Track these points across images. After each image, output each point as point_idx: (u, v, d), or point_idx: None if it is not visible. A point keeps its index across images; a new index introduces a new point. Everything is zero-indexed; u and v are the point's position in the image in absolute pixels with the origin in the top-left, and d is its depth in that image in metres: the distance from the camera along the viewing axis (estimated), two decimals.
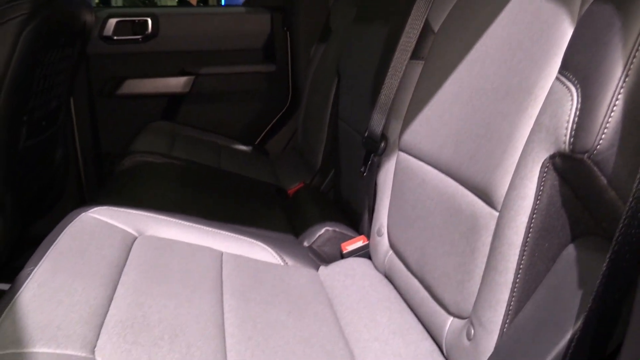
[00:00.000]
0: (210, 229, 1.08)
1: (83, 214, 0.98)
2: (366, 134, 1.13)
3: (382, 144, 1.08)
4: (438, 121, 0.92)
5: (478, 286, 0.73)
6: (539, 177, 0.63)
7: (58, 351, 0.61)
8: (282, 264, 1.07)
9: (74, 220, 0.95)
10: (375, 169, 1.11)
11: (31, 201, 1.72)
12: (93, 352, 0.63)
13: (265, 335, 0.78)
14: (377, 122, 1.10)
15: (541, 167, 0.62)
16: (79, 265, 0.80)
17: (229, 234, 1.08)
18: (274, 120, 2.19)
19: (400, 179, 1.02)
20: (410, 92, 1.04)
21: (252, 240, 1.09)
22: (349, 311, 0.94)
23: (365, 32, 1.48)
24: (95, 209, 1.01)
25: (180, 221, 1.06)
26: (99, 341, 0.66)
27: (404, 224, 0.97)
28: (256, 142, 2.18)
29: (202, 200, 1.30)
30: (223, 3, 4.45)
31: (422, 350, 0.82)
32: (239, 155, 1.95)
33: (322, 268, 1.10)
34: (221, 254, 1.01)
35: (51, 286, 0.73)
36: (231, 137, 2.12)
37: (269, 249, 1.08)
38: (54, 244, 0.86)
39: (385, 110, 1.09)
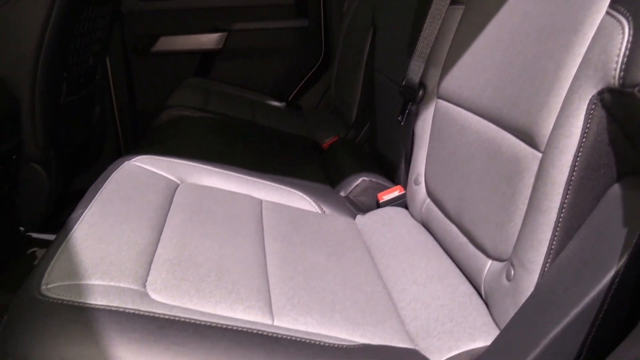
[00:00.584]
0: (249, 177, 1.09)
1: (126, 162, 1.01)
2: (404, 83, 1.12)
3: (420, 92, 1.07)
4: (478, 66, 0.90)
5: (518, 228, 0.73)
6: (585, 115, 0.62)
7: (112, 284, 0.64)
8: (320, 212, 1.08)
9: (119, 168, 0.98)
10: (412, 117, 1.11)
11: (72, 157, 1.77)
12: (144, 286, 0.66)
13: (306, 276, 0.80)
14: (415, 71, 1.09)
15: (588, 104, 0.61)
16: (126, 209, 0.83)
17: (268, 182, 1.10)
18: (307, 76, 2.18)
19: (438, 127, 1.01)
20: (449, 38, 1.02)
21: (290, 189, 1.10)
22: (386, 257, 0.95)
23: None
24: (138, 157, 1.03)
25: (220, 170, 1.08)
26: (149, 277, 0.68)
27: (442, 171, 0.97)
28: (289, 98, 2.18)
29: (239, 151, 1.31)
30: None
31: (460, 292, 0.83)
32: (272, 110, 1.96)
33: (359, 217, 1.11)
34: (261, 201, 1.03)
35: (101, 227, 0.76)
36: (264, 93, 2.12)
37: (307, 198, 1.10)
38: (101, 189, 0.89)
39: (423, 58, 1.07)
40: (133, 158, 1.03)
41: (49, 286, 0.61)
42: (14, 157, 1.38)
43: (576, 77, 0.64)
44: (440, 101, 1.01)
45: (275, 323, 0.67)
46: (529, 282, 0.69)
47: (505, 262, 0.76)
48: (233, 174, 1.09)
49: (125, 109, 2.17)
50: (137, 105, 2.18)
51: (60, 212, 1.75)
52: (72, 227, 0.75)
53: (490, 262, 0.80)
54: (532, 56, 0.75)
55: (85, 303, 0.58)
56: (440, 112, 1.01)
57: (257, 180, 1.10)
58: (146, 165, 1.02)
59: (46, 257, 0.69)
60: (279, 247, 0.86)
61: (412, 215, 1.10)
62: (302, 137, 1.62)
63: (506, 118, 0.79)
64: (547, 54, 0.72)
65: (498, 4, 0.88)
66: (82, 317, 0.57)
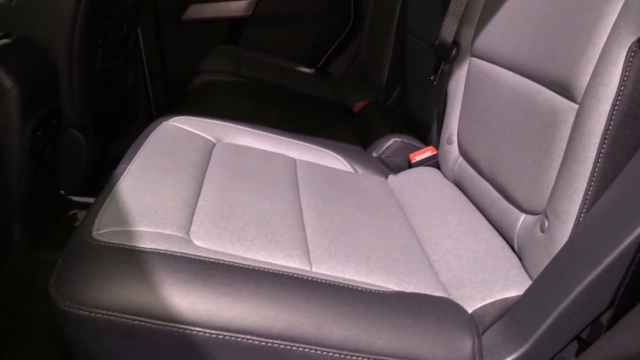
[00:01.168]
0: (283, 138, 1.11)
1: (164, 122, 1.04)
2: (437, 43, 1.12)
3: (454, 51, 1.07)
4: (513, 22, 0.90)
5: (553, 180, 0.74)
6: (624, 63, 0.61)
7: (158, 230, 0.67)
8: (353, 171, 1.10)
9: (157, 128, 1.01)
10: (445, 77, 1.11)
11: (108, 124, 1.82)
12: (188, 234, 0.69)
13: (341, 228, 0.82)
14: (448, 30, 1.09)
15: (627, 52, 0.61)
16: (167, 164, 0.86)
17: (301, 142, 1.12)
18: (336, 42, 2.18)
19: (472, 85, 1.01)
20: None
21: (323, 149, 1.12)
22: (419, 214, 0.97)
23: None
24: (175, 118, 1.06)
25: (254, 130, 1.10)
26: (192, 226, 0.71)
27: (476, 128, 0.97)
28: (319, 65, 2.18)
29: (272, 114, 1.33)
30: None
31: (493, 246, 0.84)
32: (302, 76, 1.97)
33: (391, 176, 1.13)
34: (295, 160, 1.05)
35: (145, 180, 0.79)
36: (294, 59, 2.13)
37: (340, 158, 1.11)
38: (142, 147, 0.92)
39: (457, 16, 1.07)
40: (171, 118, 1.05)
41: (100, 232, 0.65)
42: (54, 121, 1.43)
43: (615, 25, 0.64)
44: (474, 59, 1.01)
45: (314, 270, 0.69)
46: (563, 232, 0.70)
47: (539, 215, 0.77)
48: (267, 134, 1.11)
49: (157, 76, 2.20)
50: (168, 73, 2.21)
51: (97, 178, 1.80)
52: (118, 180, 0.79)
53: (523, 216, 0.81)
54: (570, 8, 0.75)
55: (135, 246, 0.62)
56: (474, 70, 1.01)
57: (291, 140, 1.12)
58: (183, 125, 1.04)
59: (95, 206, 0.72)
60: (314, 202, 0.88)
61: (444, 175, 1.11)
62: (332, 102, 1.63)
63: (542, 72, 0.79)
64: (585, 4, 0.71)
65: None
66: (132, 259, 0.60)
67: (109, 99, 1.81)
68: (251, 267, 0.63)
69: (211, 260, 0.62)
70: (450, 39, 1.08)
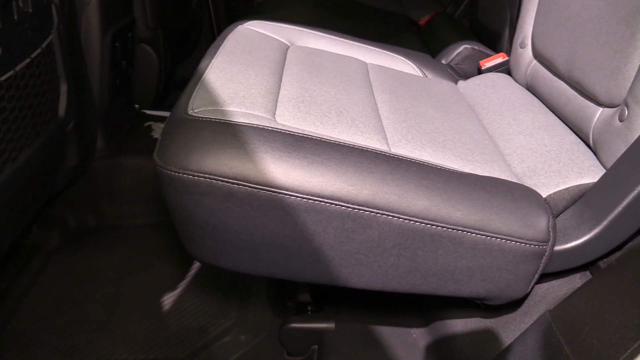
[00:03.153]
0: (354, 42, 1.13)
1: (240, 26, 1.07)
2: None
3: None
4: None
5: (636, 68, 0.73)
6: None
7: (248, 111, 0.71)
8: (422, 76, 1.11)
9: (234, 31, 1.04)
10: None
11: (176, 41, 1.87)
12: (274, 117, 0.73)
13: (416, 120, 0.84)
14: None
15: None
16: (248, 59, 0.89)
17: (372, 47, 1.13)
18: None
19: None
20: None
21: (393, 54, 1.13)
22: (491, 114, 0.98)
23: None
24: (250, 22, 1.08)
25: (326, 35, 1.12)
26: (277, 110, 0.75)
27: (553, 28, 0.96)
28: None
29: (340, 23, 1.34)
30: None
31: (567, 141, 0.85)
32: None
33: (460, 82, 1.13)
34: (366, 63, 1.06)
35: (229, 72, 0.83)
36: None
37: (410, 62, 1.12)
38: (222, 46, 0.95)
39: None
40: (245, 22, 1.08)
41: (195, 110, 0.69)
42: (130, 34, 1.48)
43: None
44: None
45: (393, 151, 0.73)
46: None
47: (617, 107, 0.77)
48: (339, 38, 1.12)
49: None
50: None
51: (167, 95, 1.88)
52: (204, 71, 0.83)
53: (600, 110, 0.81)
54: None
55: (229, 121, 0.66)
56: None
57: (361, 45, 1.13)
58: (258, 29, 1.07)
59: (186, 93, 0.77)
60: (389, 98, 0.91)
61: (516, 80, 1.10)
62: (397, 14, 1.61)
63: None
64: None
65: None
66: (229, 130, 0.64)
67: (177, 16, 1.85)
68: (337, 142, 0.67)
69: (300, 134, 0.66)
70: None
